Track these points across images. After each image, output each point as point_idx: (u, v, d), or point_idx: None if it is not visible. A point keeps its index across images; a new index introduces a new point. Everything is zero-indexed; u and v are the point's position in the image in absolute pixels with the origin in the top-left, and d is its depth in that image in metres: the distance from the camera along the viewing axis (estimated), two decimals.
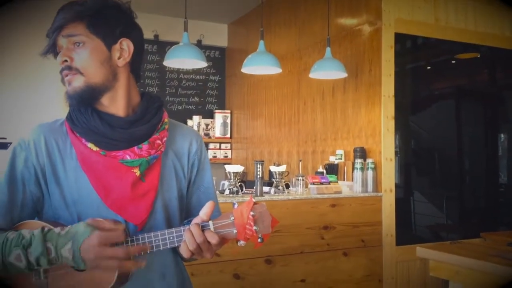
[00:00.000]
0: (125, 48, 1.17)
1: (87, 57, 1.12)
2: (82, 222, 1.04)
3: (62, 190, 1.13)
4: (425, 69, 3.88)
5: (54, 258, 1.01)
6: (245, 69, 3.36)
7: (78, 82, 1.12)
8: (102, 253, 1.00)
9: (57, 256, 1.01)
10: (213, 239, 1.05)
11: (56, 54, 1.16)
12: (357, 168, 3.14)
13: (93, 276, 1.04)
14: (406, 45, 3.57)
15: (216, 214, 1.16)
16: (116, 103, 1.17)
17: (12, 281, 1.07)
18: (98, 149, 1.13)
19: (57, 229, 1.03)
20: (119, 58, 1.17)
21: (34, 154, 1.13)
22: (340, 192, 3.04)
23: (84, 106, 1.14)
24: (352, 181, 3.21)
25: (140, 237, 1.07)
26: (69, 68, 1.12)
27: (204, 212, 1.07)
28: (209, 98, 5.46)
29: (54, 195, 1.14)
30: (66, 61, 1.12)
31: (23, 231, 1.04)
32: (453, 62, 3.93)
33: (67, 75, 1.13)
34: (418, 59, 3.75)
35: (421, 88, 3.85)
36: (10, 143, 3.61)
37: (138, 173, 1.14)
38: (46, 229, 1.03)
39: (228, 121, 5.36)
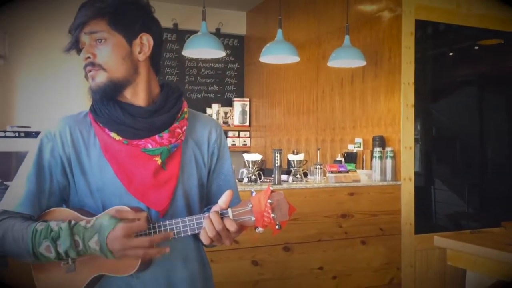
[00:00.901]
0: (145, 43, 1.21)
1: (109, 53, 1.17)
2: (106, 213, 1.09)
3: (87, 178, 1.19)
4: (447, 56, 3.84)
5: (82, 250, 1.07)
6: (263, 58, 3.38)
7: (101, 78, 1.17)
8: (127, 243, 1.05)
9: (85, 248, 1.07)
10: (232, 227, 1.09)
11: (78, 50, 1.20)
12: (375, 157, 3.15)
13: (118, 261, 1.10)
14: (427, 32, 3.54)
15: (236, 201, 1.20)
16: (137, 96, 1.21)
17: (41, 265, 1.14)
18: (120, 138, 1.18)
19: (83, 222, 1.09)
20: (139, 52, 1.21)
21: (60, 145, 1.19)
22: (358, 181, 3.05)
23: (107, 100, 1.19)
24: (370, 169, 3.22)
25: (162, 224, 1.12)
26: (92, 64, 1.17)
27: (223, 200, 1.11)
28: (228, 87, 5.50)
29: (79, 183, 1.19)
30: (89, 57, 1.17)
31: (51, 223, 1.09)
32: (476, 48, 3.88)
33: (90, 71, 1.18)
34: (439, 46, 3.71)
35: (443, 75, 3.82)
36: (35, 132, 3.69)
37: (159, 161, 1.19)
38: (72, 222, 1.09)
39: (247, 109, 5.39)
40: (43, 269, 1.14)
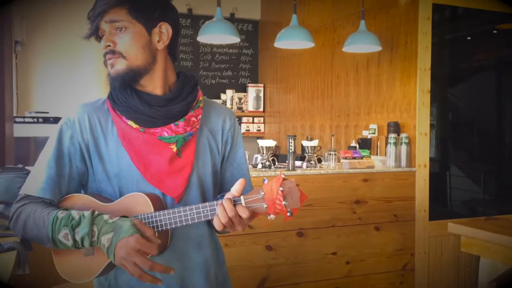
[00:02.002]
0: (164, 32, 1.23)
1: (129, 41, 1.18)
2: (129, 219, 1.11)
3: (105, 165, 1.22)
4: (465, 40, 3.78)
5: (95, 241, 1.09)
6: (278, 44, 3.36)
7: (120, 65, 1.19)
8: (132, 256, 1.05)
9: (97, 241, 1.09)
10: (244, 214, 1.11)
11: (98, 37, 1.22)
12: (390, 143, 3.14)
13: None
14: (444, 16, 3.48)
15: (248, 189, 1.22)
16: (153, 84, 1.23)
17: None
18: (137, 126, 1.21)
19: (106, 216, 1.11)
20: (158, 41, 1.22)
21: (79, 132, 1.22)
22: (372, 167, 3.05)
23: (125, 87, 1.21)
24: (385, 156, 3.22)
25: (176, 210, 1.14)
26: (113, 52, 1.19)
27: (236, 188, 1.13)
28: (242, 72, 5.50)
29: (97, 169, 1.22)
30: (109, 45, 1.19)
31: (72, 212, 1.12)
32: (494, 32, 3.81)
33: (110, 59, 1.20)
34: (457, 30, 3.65)
35: (460, 60, 3.76)
36: (53, 118, 3.74)
37: (175, 149, 1.21)
38: (96, 213, 1.12)
39: (261, 94, 5.39)
40: (63, 252, 1.18)
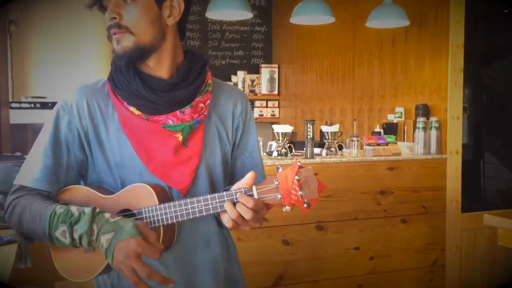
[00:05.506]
0: (175, 6, 1.20)
1: (137, 15, 1.15)
2: (132, 220, 1.07)
3: (105, 153, 1.20)
4: (501, 13, 3.69)
5: (93, 241, 1.07)
6: (295, 19, 3.33)
7: (127, 42, 1.15)
8: (130, 260, 1.02)
9: (96, 240, 1.07)
10: (249, 204, 1.08)
11: (101, 7, 1.19)
12: (419, 128, 3.10)
13: None
14: None
15: (260, 179, 1.20)
16: (161, 64, 1.20)
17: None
18: (140, 113, 1.19)
19: (107, 214, 1.09)
20: (169, 16, 1.19)
21: (77, 117, 1.20)
22: (399, 154, 3.02)
23: (132, 66, 1.18)
24: (413, 142, 3.18)
25: (183, 202, 1.12)
26: (119, 26, 1.15)
27: (246, 183, 1.11)
28: (255, 52, 5.45)
29: (97, 158, 1.21)
30: (114, 18, 1.15)
31: (72, 208, 1.10)
32: None
33: (115, 33, 1.16)
34: (492, 2, 3.57)
35: (497, 35, 3.68)
36: (51, 103, 3.76)
37: (180, 138, 1.19)
38: (97, 210, 1.09)
39: (276, 76, 5.36)
40: (62, 248, 1.17)
